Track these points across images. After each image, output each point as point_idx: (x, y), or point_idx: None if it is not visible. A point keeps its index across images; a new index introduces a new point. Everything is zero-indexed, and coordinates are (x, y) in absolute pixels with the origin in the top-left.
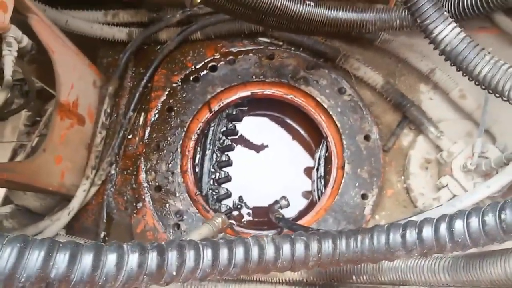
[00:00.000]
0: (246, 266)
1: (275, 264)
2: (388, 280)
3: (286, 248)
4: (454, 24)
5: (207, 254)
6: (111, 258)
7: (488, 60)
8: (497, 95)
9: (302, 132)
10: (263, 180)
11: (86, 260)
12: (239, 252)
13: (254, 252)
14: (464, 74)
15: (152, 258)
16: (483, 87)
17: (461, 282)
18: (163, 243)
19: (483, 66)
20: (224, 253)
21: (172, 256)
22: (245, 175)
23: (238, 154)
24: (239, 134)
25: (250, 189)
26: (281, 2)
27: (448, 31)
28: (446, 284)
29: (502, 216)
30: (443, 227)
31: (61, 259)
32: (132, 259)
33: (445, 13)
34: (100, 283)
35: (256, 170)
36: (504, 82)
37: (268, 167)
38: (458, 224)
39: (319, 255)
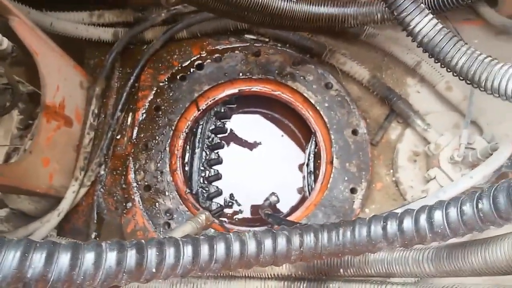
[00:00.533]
0: (228, 262)
1: (257, 259)
2: (374, 272)
3: (267, 242)
4: (430, 16)
5: (187, 250)
6: (89, 257)
7: (465, 50)
8: (475, 85)
9: (292, 127)
10: (254, 177)
11: (63, 259)
12: (220, 248)
13: (236, 247)
14: (442, 66)
15: (131, 255)
16: (461, 78)
17: (444, 272)
18: (142, 240)
19: (459, 57)
20: (204, 249)
21: (152, 253)
22: (236, 172)
23: (228, 151)
24: (228, 131)
25: (241, 186)
26: None
27: (424, 23)
28: (430, 274)
29: (480, 206)
30: (422, 218)
31: (38, 259)
32: (111, 257)
33: (422, 5)
34: (78, 282)
35: (247, 167)
36: (480, 72)
37: (259, 164)
38: (437, 215)
39: (301, 249)
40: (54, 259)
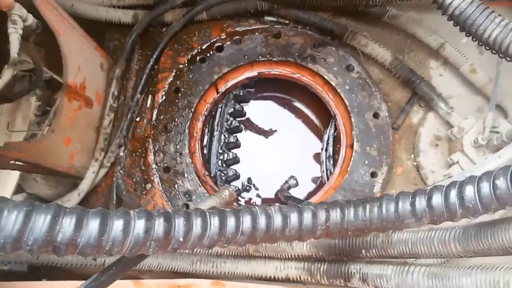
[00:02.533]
0: (254, 235)
1: (283, 232)
2: (398, 253)
3: (293, 217)
4: None
5: (214, 221)
6: (117, 223)
7: (499, 22)
8: (508, 58)
9: (310, 114)
10: (272, 162)
11: (93, 224)
12: (246, 220)
13: (262, 220)
14: (474, 39)
15: (159, 224)
16: (494, 51)
17: (472, 252)
18: (170, 210)
19: (493, 29)
20: (231, 221)
21: (179, 222)
22: (253, 157)
23: (247, 136)
24: (247, 116)
25: (259, 170)
26: None
27: None
28: (457, 254)
29: None
30: (453, 194)
31: (67, 223)
32: (139, 225)
33: None
34: (107, 248)
35: (265, 152)
36: None
37: (277, 149)
38: (469, 190)
39: (327, 224)
40: (84, 224)
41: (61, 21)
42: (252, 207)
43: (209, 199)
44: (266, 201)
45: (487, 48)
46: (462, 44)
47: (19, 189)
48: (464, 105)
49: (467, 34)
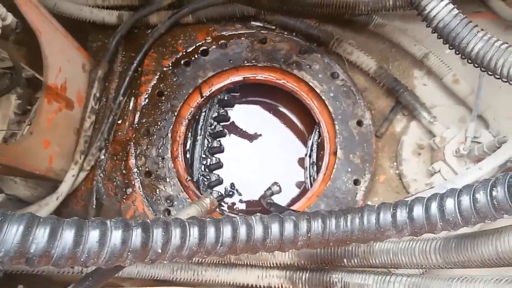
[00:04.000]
0: (234, 245)
1: (264, 243)
2: (379, 263)
3: (274, 227)
4: (446, 1)
5: (194, 232)
6: (93, 234)
7: (481, 36)
8: (490, 72)
9: (295, 119)
10: (256, 168)
11: (67, 235)
12: (227, 230)
13: (242, 231)
14: (457, 52)
15: (137, 234)
16: (476, 64)
17: (452, 263)
18: (148, 220)
19: (476, 43)
20: (211, 231)
21: (158, 233)
22: (237, 162)
23: (230, 141)
24: (231, 121)
25: (242, 176)
26: None
27: (440, 8)
28: (437, 265)
29: (494, 193)
30: (434, 206)
31: (41, 234)
32: (116, 236)
33: None
34: (82, 259)
35: (248, 157)
36: (496, 58)
37: (261, 154)
38: (449, 203)
39: (309, 235)
40: (58, 235)
41: (43, 21)
42: (232, 217)
43: (190, 208)
44: (249, 207)
45: (469, 61)
46: (446, 54)
47: None
48: (446, 114)
49: (450, 47)
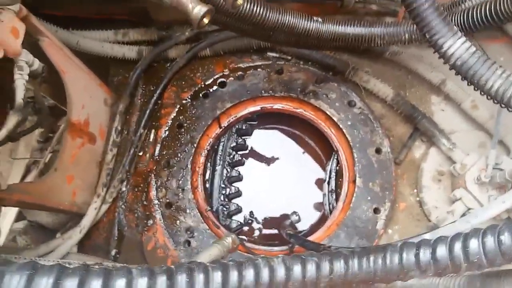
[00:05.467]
0: None
1: (286, 285)
2: None
3: (296, 269)
4: (464, 39)
5: (217, 277)
6: (120, 283)
7: (500, 74)
8: (510, 109)
9: (313, 144)
10: (274, 194)
11: (95, 286)
12: (249, 274)
13: (264, 274)
14: (476, 89)
15: (162, 282)
16: (496, 101)
17: None
18: (172, 266)
19: (495, 81)
20: (234, 275)
21: (182, 279)
22: (255, 189)
23: (249, 168)
24: (249, 148)
25: (261, 203)
26: (289, 19)
27: (458, 46)
28: None
29: None
30: (457, 247)
31: (70, 286)
32: (141, 284)
33: (454, 27)
34: None
35: (267, 184)
36: None
37: (279, 180)
38: (474, 244)
39: (331, 276)
40: (86, 287)
41: (66, 61)
42: (255, 259)
43: (212, 248)
44: (269, 236)
45: (489, 98)
46: (463, 80)
47: (20, 216)
48: (466, 140)
49: (469, 84)
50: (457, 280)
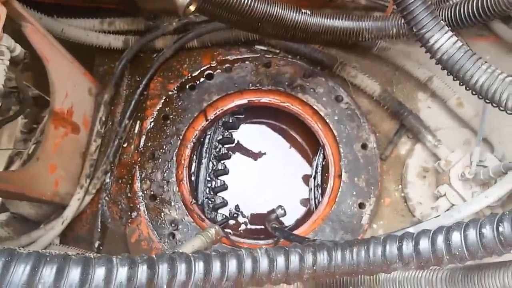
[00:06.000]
0: (239, 279)
1: (269, 276)
2: None
3: (280, 260)
4: (450, 33)
5: (199, 267)
6: (99, 272)
7: (485, 69)
8: (494, 104)
9: (299, 139)
10: (260, 188)
11: (74, 274)
12: (232, 264)
13: (248, 264)
14: (461, 84)
15: (142, 271)
16: (480, 96)
17: None
18: (153, 256)
19: (480, 75)
20: (216, 266)
21: (163, 269)
22: (241, 183)
23: (235, 162)
24: (235, 142)
25: (246, 197)
26: (276, 11)
27: (444, 40)
28: None
29: (500, 229)
30: (440, 240)
31: (48, 274)
32: (121, 273)
33: (442, 21)
34: None
35: (253, 178)
36: (501, 91)
37: (265, 175)
38: (455, 237)
39: (314, 268)
40: (65, 274)
41: (50, 48)
42: (238, 251)
43: (195, 239)
44: (254, 230)
45: (474, 93)
46: (449, 77)
47: (2, 208)
48: (451, 137)
49: (455, 79)
50: (439, 273)
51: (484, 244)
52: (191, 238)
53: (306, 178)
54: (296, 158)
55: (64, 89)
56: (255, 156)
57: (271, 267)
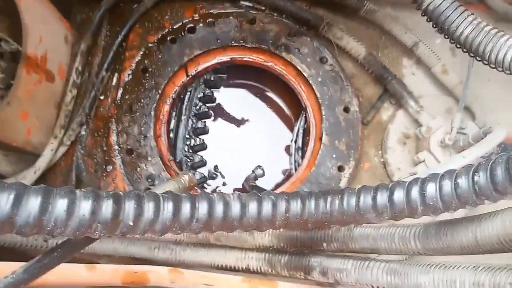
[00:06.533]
0: (210, 222)
1: (241, 221)
2: (359, 248)
3: (252, 206)
4: None
5: (168, 206)
6: (61, 203)
7: (471, 21)
8: (478, 58)
9: (283, 105)
10: (241, 152)
11: (33, 202)
12: (203, 207)
13: (219, 208)
14: (446, 36)
15: (107, 206)
16: (465, 49)
17: (431, 250)
18: (120, 192)
19: (465, 27)
20: (186, 206)
21: (130, 205)
22: (222, 145)
23: (216, 124)
24: (217, 103)
25: (226, 159)
26: None
27: None
28: (417, 252)
29: (476, 178)
30: (415, 190)
31: (5, 200)
32: (85, 206)
33: None
34: (48, 228)
35: (234, 141)
36: (485, 44)
37: (247, 139)
38: (431, 187)
39: (287, 215)
40: (23, 202)
41: None
42: (209, 194)
43: (167, 183)
44: (233, 190)
45: (458, 46)
46: (436, 44)
47: None
48: (434, 104)
49: (440, 31)
50: (413, 229)
51: (459, 194)
52: (163, 183)
53: (288, 146)
54: (279, 124)
55: (38, 33)
56: (237, 119)
57: (243, 212)
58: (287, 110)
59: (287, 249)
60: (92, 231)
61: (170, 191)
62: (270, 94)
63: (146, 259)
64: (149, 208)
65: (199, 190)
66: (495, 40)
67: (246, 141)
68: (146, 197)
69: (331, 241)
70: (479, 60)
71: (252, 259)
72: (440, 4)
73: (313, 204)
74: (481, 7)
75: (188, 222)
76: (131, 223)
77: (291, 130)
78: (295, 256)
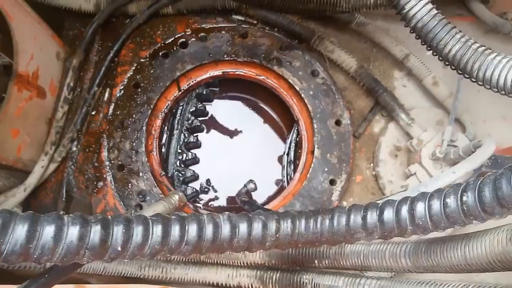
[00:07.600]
0: (199, 245)
1: (231, 243)
2: (350, 265)
3: (242, 227)
4: (426, 1)
5: (157, 230)
6: (48, 230)
7: (459, 38)
8: (466, 75)
9: (275, 116)
10: (233, 165)
11: (20, 230)
12: (192, 229)
13: (208, 230)
14: (434, 53)
15: (95, 231)
16: (453, 67)
17: (422, 268)
18: (108, 216)
19: (453, 45)
20: (175, 229)
21: (118, 230)
22: (214, 158)
23: (208, 137)
24: (209, 115)
25: (218, 172)
26: None
27: (420, 7)
28: (407, 269)
29: (464, 198)
30: (404, 209)
31: None
32: (73, 232)
33: None
34: (35, 256)
35: (226, 153)
36: (473, 61)
37: (239, 151)
38: (420, 207)
39: (277, 235)
40: (10, 230)
41: (14, 5)
42: (199, 215)
43: (157, 204)
44: (225, 204)
45: (447, 64)
46: (426, 56)
47: None
48: (425, 117)
49: (428, 48)
50: (403, 246)
51: (448, 213)
52: (153, 203)
53: (280, 157)
54: (271, 135)
55: (30, 50)
56: (229, 132)
57: (233, 233)
58: (280, 122)
59: (278, 266)
60: (80, 257)
61: (159, 214)
62: (262, 106)
63: (137, 278)
64: (137, 232)
65: (191, 206)
66: (483, 58)
67: (238, 153)
68: (135, 221)
69: (322, 258)
70: (467, 78)
71: (243, 276)
72: (428, 22)
73: (303, 224)
74: (470, 18)
75: (178, 245)
76: (119, 248)
77: (284, 141)
78: (286, 273)
